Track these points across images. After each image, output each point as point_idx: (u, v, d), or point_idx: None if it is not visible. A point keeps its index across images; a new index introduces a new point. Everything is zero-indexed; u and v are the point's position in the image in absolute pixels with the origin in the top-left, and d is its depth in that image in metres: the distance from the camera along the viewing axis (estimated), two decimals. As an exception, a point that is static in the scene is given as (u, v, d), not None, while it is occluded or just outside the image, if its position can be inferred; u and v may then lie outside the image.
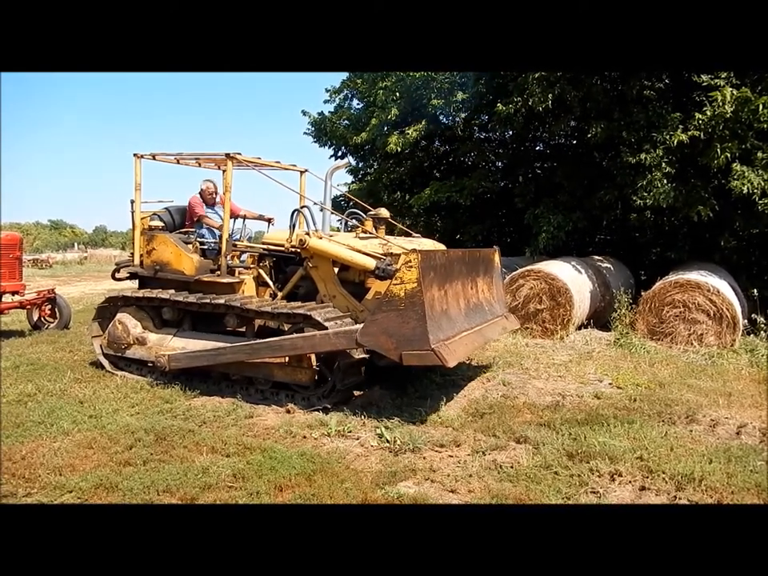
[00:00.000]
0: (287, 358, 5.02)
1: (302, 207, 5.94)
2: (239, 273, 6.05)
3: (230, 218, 5.91)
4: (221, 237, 5.88)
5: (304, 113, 14.59)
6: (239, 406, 5.00)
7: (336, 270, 5.43)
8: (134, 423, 4.46)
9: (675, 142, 8.18)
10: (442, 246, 6.15)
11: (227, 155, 5.60)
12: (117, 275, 6.66)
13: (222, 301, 5.35)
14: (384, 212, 6.01)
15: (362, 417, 4.67)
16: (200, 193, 6.57)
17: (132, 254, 6.37)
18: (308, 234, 5.34)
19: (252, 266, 6.05)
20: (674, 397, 5.16)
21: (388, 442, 4.17)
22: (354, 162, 14.90)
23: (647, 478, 3.47)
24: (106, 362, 6.06)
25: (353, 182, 14.80)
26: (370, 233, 5.75)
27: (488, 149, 12.85)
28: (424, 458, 3.92)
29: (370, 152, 14.33)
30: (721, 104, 7.73)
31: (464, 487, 3.44)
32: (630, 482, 3.45)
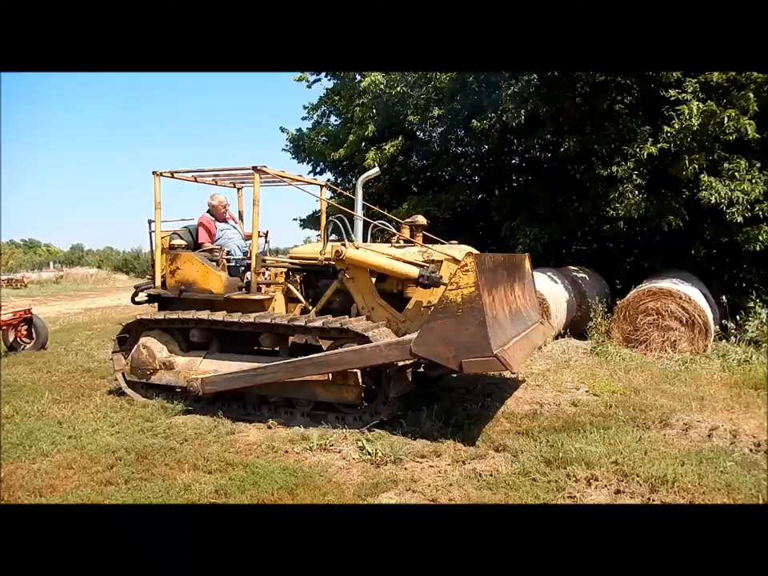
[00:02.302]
0: (330, 376, 4.80)
1: (336, 217, 5.74)
2: (266, 289, 5.74)
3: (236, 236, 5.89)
4: (248, 252, 5.77)
5: (282, 129, 14.71)
6: (221, 423, 5.00)
7: (372, 280, 5.30)
8: (115, 442, 4.44)
9: (645, 155, 8.40)
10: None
11: (255, 168, 5.41)
12: (136, 299, 6.34)
13: (267, 319, 5.09)
14: (421, 219, 5.78)
15: (344, 430, 4.71)
16: (210, 210, 6.33)
17: (151, 276, 6.13)
18: (343, 244, 5.21)
19: (280, 282, 5.78)
20: (649, 402, 5.28)
21: (369, 454, 4.21)
22: (332, 178, 15.01)
23: (622, 481, 3.56)
24: (133, 393, 5.75)
25: (331, 198, 14.87)
26: (407, 241, 5.62)
27: (464, 163, 13.04)
28: (405, 468, 3.96)
29: (348, 168, 14.46)
30: (688, 117, 7.97)
31: (444, 496, 3.49)
32: (605, 485, 3.53)
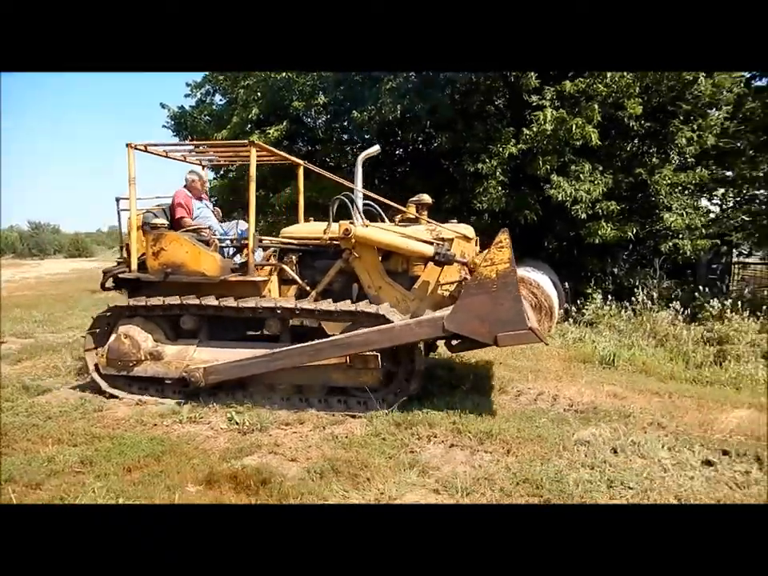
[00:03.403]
0: (348, 360, 4.70)
1: (343, 195, 5.43)
2: (261, 271, 5.45)
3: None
4: (245, 232, 5.55)
5: (163, 105, 14.22)
6: (88, 401, 5.03)
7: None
8: (-30, 421, 4.36)
9: (507, 154, 9.25)
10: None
11: (251, 143, 5.13)
12: (107, 284, 5.72)
13: (290, 304, 4.91)
14: (426, 198, 5.65)
15: (214, 405, 4.93)
16: (188, 186, 5.97)
17: (123, 258, 5.65)
18: (352, 223, 5.11)
19: (275, 263, 5.47)
20: (491, 374, 6.01)
21: (237, 424, 4.49)
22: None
23: (456, 437, 4.15)
24: (102, 383, 5.29)
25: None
26: (411, 219, 5.53)
27: (348, 151, 13.42)
28: (270, 435, 4.30)
29: (233, 148, 14.30)
30: (543, 122, 8.89)
31: (303, 456, 3.88)
32: (442, 441, 4.11)
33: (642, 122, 9.31)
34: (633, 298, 9.11)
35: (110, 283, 5.73)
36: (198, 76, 15.22)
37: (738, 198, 12.09)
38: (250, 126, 12.33)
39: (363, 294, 5.25)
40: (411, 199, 5.68)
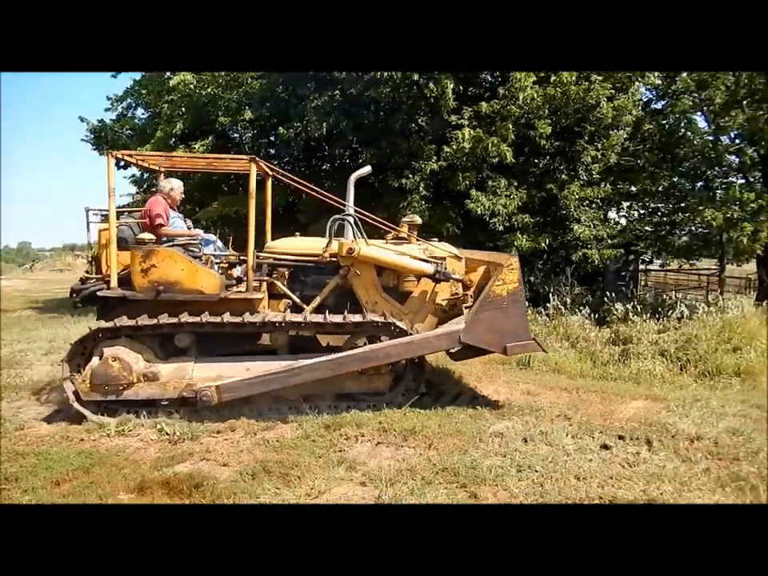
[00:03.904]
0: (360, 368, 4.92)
1: (344, 215, 5.59)
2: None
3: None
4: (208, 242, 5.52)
5: (82, 119, 13.87)
6: (7, 420, 4.91)
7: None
8: None
9: (429, 170, 9.73)
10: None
11: (252, 159, 5.12)
12: (79, 303, 5.26)
13: (318, 318, 4.98)
14: (418, 219, 6.06)
15: (143, 418, 4.93)
16: (165, 194, 5.66)
17: (90, 273, 5.34)
18: (354, 242, 5.29)
19: (267, 279, 5.42)
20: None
21: (167, 434, 4.55)
22: (139, 174, 14.49)
23: (382, 435, 4.41)
24: (86, 411, 4.89)
25: (137, 193, 14.38)
26: (403, 238, 5.78)
27: (277, 165, 13.53)
28: (201, 443, 4.40)
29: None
30: (462, 141, 9.43)
31: (235, 461, 4.01)
32: (369, 440, 4.36)
33: (552, 141, 10.04)
34: (547, 304, 9.74)
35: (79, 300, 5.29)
36: (119, 90, 14.92)
37: (643, 211, 13.18)
38: (174, 140, 12.27)
39: (355, 309, 5.35)
40: (403, 219, 6.03)
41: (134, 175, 14.45)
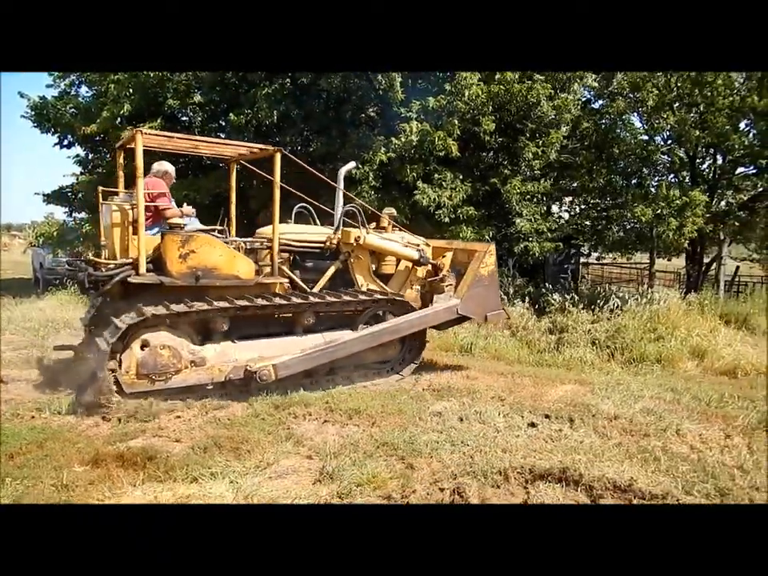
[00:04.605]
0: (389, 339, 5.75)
1: (353, 205, 6.29)
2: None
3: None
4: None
5: (21, 95, 13.35)
6: (-45, 400, 4.92)
7: None
8: None
9: (378, 161, 9.98)
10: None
11: (277, 149, 5.54)
12: (107, 287, 4.95)
13: (364, 296, 5.74)
14: (393, 211, 7.00)
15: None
16: (160, 176, 5.61)
17: (109, 259, 5.15)
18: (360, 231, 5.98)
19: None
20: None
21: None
22: (82, 153, 14.12)
23: (328, 414, 4.69)
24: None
25: (82, 174, 13.99)
26: (383, 227, 6.57)
27: (227, 150, 13.47)
28: (155, 420, 4.55)
29: (101, 143, 13.76)
30: (409, 134, 9.72)
31: (187, 437, 4.20)
32: (316, 418, 4.63)
33: (496, 136, 10.46)
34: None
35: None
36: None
37: (583, 206, 13.87)
38: (120, 121, 12.02)
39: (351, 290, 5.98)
40: (384, 211, 6.91)
41: (78, 155, 14.07)
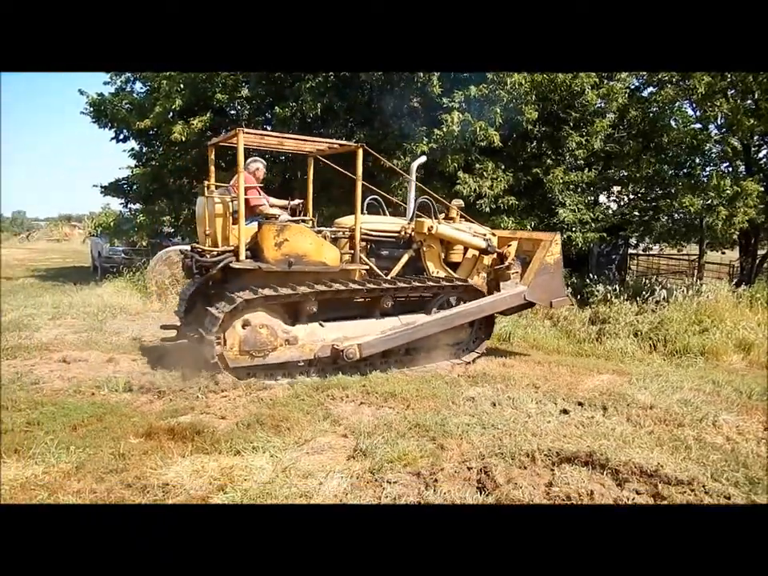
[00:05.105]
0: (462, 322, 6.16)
1: (425, 197, 6.58)
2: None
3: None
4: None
5: (81, 92, 14.03)
6: (23, 375, 5.35)
7: None
8: None
9: (419, 152, 10.06)
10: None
11: (360, 145, 5.93)
12: (212, 272, 5.40)
13: (445, 282, 6.19)
14: (461, 203, 7.28)
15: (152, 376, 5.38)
16: (252, 173, 5.95)
17: (211, 246, 5.59)
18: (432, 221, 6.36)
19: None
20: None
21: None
22: (137, 147, 14.73)
23: (365, 397, 4.89)
24: (233, 378, 5.20)
25: (136, 167, 14.61)
26: (452, 218, 6.92)
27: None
28: (203, 399, 4.85)
29: (154, 137, 14.33)
30: (451, 124, 9.77)
31: (232, 414, 4.48)
32: (353, 400, 4.83)
33: (539, 126, 10.39)
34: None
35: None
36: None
37: (633, 196, 13.59)
38: (172, 115, 12.50)
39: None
40: (453, 202, 7.19)
41: (132, 149, 14.70)
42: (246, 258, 5.37)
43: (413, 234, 6.40)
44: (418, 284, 6.04)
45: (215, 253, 5.46)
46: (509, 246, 7.02)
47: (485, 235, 6.77)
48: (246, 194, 5.48)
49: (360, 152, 5.87)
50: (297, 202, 6.43)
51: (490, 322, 6.77)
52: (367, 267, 6.12)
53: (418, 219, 6.46)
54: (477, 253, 6.79)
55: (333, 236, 5.98)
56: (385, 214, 6.92)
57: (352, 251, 5.98)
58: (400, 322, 5.95)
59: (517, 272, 6.74)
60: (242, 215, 5.28)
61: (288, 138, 6.27)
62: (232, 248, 5.43)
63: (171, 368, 5.54)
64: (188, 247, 6.27)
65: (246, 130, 5.39)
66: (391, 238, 6.42)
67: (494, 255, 6.83)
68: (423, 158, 7.93)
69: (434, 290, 6.23)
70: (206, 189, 5.72)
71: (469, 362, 6.39)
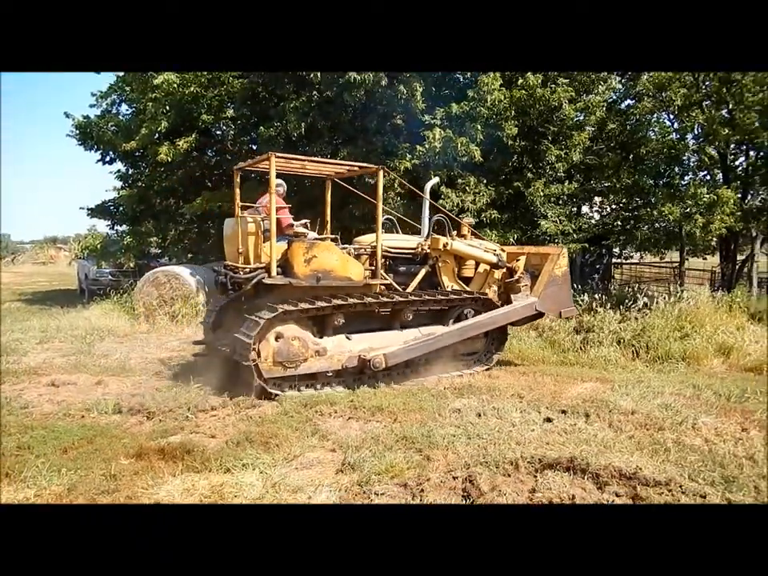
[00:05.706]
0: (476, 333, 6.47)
1: (440, 215, 7.25)
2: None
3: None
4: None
5: (67, 115, 14.13)
6: (12, 400, 5.38)
7: None
8: None
9: (403, 168, 10.25)
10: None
11: (380, 167, 6.24)
12: (245, 287, 5.83)
13: (466, 294, 6.62)
14: (472, 220, 7.94)
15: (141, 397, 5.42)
16: (278, 194, 6.21)
17: (244, 264, 5.86)
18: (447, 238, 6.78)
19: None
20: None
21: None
22: (123, 168, 14.82)
23: (353, 411, 4.97)
24: (268, 388, 5.41)
25: (122, 188, 14.69)
26: (463, 236, 7.34)
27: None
28: (193, 419, 4.91)
29: (140, 158, 14.42)
30: (433, 140, 9.96)
31: (221, 433, 4.54)
32: (341, 416, 4.91)
33: (518, 140, 10.61)
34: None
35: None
36: (103, 86, 15.20)
37: (614, 206, 13.84)
38: (158, 137, 12.61)
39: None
40: (464, 220, 7.76)
41: (119, 170, 14.79)
42: (277, 273, 5.67)
43: (429, 250, 6.82)
44: (441, 297, 6.44)
45: (248, 270, 5.80)
46: (517, 260, 7.39)
47: (495, 251, 7.21)
48: (276, 214, 5.74)
49: (381, 174, 6.20)
50: (304, 221, 6.64)
51: (504, 333, 7.03)
52: (387, 282, 6.46)
53: (434, 236, 6.85)
54: (488, 267, 7.20)
55: (356, 253, 6.39)
56: (398, 232, 7.31)
57: (373, 267, 6.36)
58: (420, 333, 6.24)
59: (526, 285, 7.16)
60: (273, 233, 5.61)
61: (311, 161, 6.59)
62: (264, 265, 5.75)
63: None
64: (220, 266, 6.56)
65: (278, 154, 5.75)
66: (408, 255, 6.85)
67: (504, 269, 7.19)
68: (437, 179, 8.34)
69: (453, 303, 6.55)
70: (237, 209, 6.14)
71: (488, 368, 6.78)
